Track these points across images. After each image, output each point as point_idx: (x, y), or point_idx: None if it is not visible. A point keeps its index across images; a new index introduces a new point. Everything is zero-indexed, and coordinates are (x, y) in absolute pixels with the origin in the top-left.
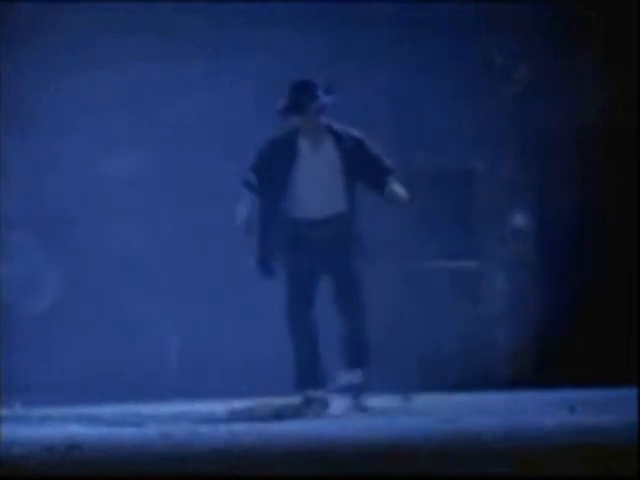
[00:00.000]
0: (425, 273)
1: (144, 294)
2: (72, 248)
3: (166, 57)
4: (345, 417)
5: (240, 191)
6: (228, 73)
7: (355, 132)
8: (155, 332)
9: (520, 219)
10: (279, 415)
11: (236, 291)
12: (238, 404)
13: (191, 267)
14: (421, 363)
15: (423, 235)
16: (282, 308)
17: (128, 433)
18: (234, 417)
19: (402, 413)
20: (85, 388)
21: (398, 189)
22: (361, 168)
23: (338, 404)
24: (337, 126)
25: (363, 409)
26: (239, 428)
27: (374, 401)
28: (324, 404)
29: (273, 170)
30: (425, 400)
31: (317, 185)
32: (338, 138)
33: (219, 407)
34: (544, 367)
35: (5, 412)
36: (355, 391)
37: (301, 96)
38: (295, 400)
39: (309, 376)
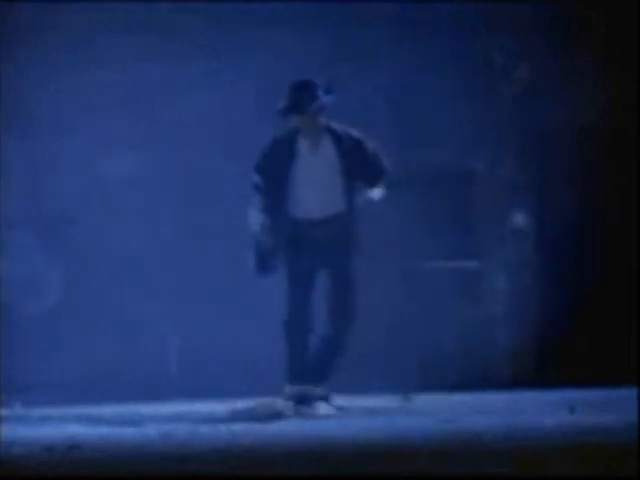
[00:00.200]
0: (425, 273)
1: (144, 294)
2: (72, 248)
3: (166, 57)
4: (336, 417)
5: (248, 193)
6: (228, 73)
7: (355, 132)
8: (155, 332)
9: (520, 219)
10: (279, 415)
11: (236, 291)
12: (238, 404)
13: (191, 267)
14: (421, 363)
15: (423, 235)
16: (282, 308)
17: (128, 433)
18: (234, 417)
19: (402, 413)
20: (85, 388)
21: (374, 195)
22: (359, 169)
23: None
24: (337, 126)
25: (339, 408)
26: (239, 428)
27: (374, 401)
28: (320, 399)
29: (274, 170)
30: (425, 400)
31: (316, 185)
32: (338, 138)
33: (219, 407)
34: (544, 367)
35: (5, 412)
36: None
37: (301, 96)
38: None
39: (301, 373)
